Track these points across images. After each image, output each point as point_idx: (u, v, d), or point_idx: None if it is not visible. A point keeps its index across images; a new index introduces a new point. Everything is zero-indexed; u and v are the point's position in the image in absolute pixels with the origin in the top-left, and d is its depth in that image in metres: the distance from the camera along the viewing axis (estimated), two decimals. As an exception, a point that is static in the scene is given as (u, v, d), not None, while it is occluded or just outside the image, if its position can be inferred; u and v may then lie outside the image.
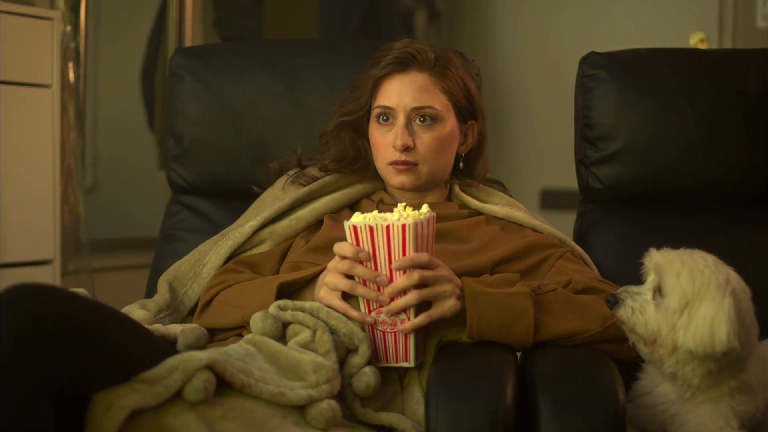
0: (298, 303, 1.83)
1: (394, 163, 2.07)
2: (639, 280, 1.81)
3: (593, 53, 2.36)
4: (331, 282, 1.82)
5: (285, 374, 1.71)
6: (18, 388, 1.46)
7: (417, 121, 2.07)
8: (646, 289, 1.78)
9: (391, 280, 1.78)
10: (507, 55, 4.70)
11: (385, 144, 2.08)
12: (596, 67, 2.33)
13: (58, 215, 3.02)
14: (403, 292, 1.78)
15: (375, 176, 2.18)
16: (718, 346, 1.69)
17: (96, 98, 3.97)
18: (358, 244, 1.78)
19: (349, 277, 1.80)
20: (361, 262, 1.78)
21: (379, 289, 1.79)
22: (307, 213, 2.13)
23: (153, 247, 2.46)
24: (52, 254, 2.98)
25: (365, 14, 4.48)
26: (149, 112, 4.13)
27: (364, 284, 1.79)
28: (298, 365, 1.71)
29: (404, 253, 1.76)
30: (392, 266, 1.77)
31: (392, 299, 1.78)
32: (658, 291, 1.76)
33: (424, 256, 1.77)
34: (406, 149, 2.06)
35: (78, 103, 3.43)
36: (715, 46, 4.23)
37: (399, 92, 2.07)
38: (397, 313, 1.79)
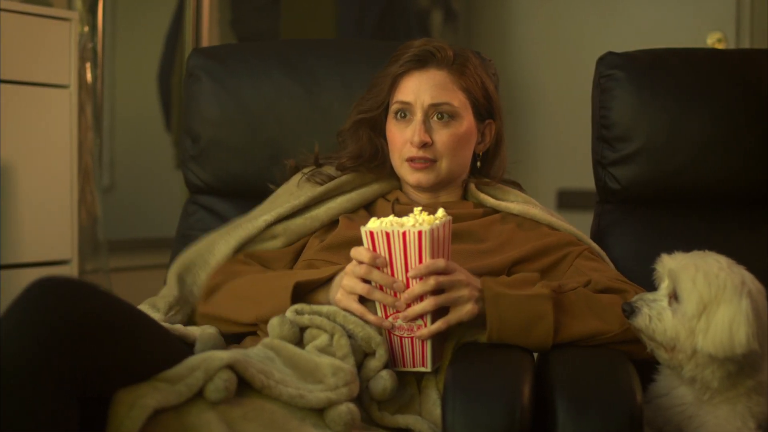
0: (315, 307, 1.83)
1: (411, 159, 2.07)
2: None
3: (610, 53, 2.35)
4: (348, 285, 1.82)
5: (304, 377, 1.71)
6: (44, 386, 1.45)
7: (435, 117, 2.07)
8: (662, 296, 1.77)
9: (407, 286, 1.77)
10: (524, 56, 4.69)
11: (403, 140, 2.08)
12: (613, 68, 2.32)
13: (76, 215, 3.03)
14: (420, 298, 1.77)
15: (391, 175, 2.17)
16: (738, 349, 1.68)
17: (113, 98, 3.98)
18: (374, 249, 1.78)
19: (367, 281, 1.80)
20: (378, 268, 1.78)
21: (395, 295, 1.78)
22: (322, 213, 2.13)
23: (170, 247, 2.46)
24: (70, 254, 2.99)
25: (382, 14, 4.48)
26: (166, 113, 4.14)
27: (381, 289, 1.79)
28: (317, 368, 1.72)
29: (420, 260, 1.76)
30: (408, 274, 1.77)
31: (409, 305, 1.78)
32: (674, 297, 1.75)
33: (440, 262, 1.77)
34: (423, 146, 2.05)
35: (95, 104, 3.44)
36: (732, 46, 4.21)
37: (417, 89, 2.07)
38: (414, 319, 1.79)
